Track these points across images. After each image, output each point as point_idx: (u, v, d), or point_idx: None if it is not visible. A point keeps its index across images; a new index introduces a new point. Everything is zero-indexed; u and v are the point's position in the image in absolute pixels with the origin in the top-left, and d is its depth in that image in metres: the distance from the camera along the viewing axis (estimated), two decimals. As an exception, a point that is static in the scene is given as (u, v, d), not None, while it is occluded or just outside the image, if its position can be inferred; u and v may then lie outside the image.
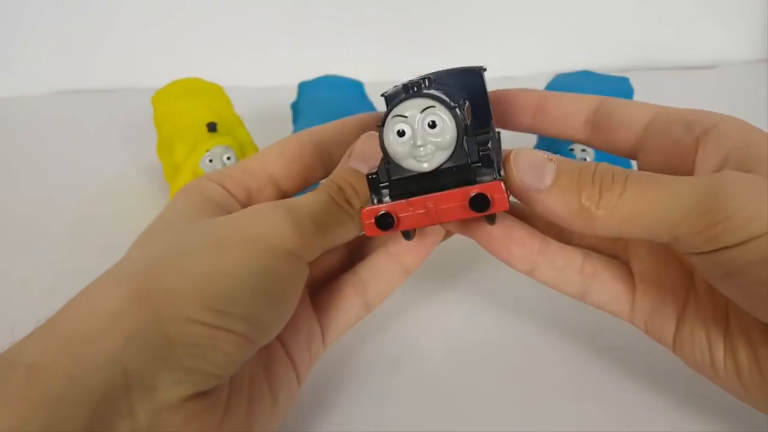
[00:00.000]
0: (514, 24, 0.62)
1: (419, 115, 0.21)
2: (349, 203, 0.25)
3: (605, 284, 0.26)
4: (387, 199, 0.22)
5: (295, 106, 0.45)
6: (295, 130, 0.41)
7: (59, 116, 0.59)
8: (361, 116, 0.30)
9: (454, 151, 0.21)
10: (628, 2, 0.61)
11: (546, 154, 0.22)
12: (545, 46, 0.62)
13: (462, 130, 0.21)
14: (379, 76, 0.49)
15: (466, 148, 0.21)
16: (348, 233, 0.25)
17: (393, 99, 0.23)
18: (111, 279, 0.21)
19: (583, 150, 0.38)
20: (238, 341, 0.21)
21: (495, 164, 0.21)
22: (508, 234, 0.26)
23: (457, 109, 0.21)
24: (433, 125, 0.21)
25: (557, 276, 0.26)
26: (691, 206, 0.20)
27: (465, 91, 0.25)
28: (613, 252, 0.27)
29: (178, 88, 0.43)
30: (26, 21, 0.61)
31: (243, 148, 0.39)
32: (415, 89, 0.22)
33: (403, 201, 0.21)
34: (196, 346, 0.19)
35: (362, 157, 0.26)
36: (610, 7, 0.61)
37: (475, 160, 0.21)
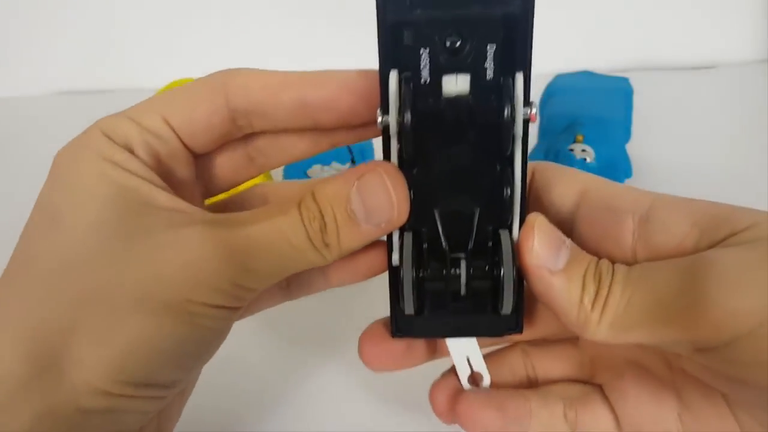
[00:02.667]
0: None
1: None
2: (326, 244, 0.20)
3: (589, 419, 0.25)
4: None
5: (294, 106, 0.45)
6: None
7: (59, 116, 0.59)
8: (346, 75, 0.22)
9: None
10: (628, 2, 0.61)
11: (561, 234, 0.21)
12: (545, 46, 0.61)
13: None
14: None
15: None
16: (308, 268, 0.21)
17: None
18: (8, 334, 0.18)
19: (583, 150, 0.38)
20: (157, 402, 0.20)
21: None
22: (501, 412, 0.24)
23: None
24: None
25: (549, 427, 0.25)
26: (669, 304, 0.19)
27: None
28: (590, 377, 0.26)
29: (178, 88, 0.43)
30: (27, 21, 0.61)
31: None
32: None
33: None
34: (112, 413, 0.18)
35: (364, 207, 0.20)
36: (610, 7, 0.61)
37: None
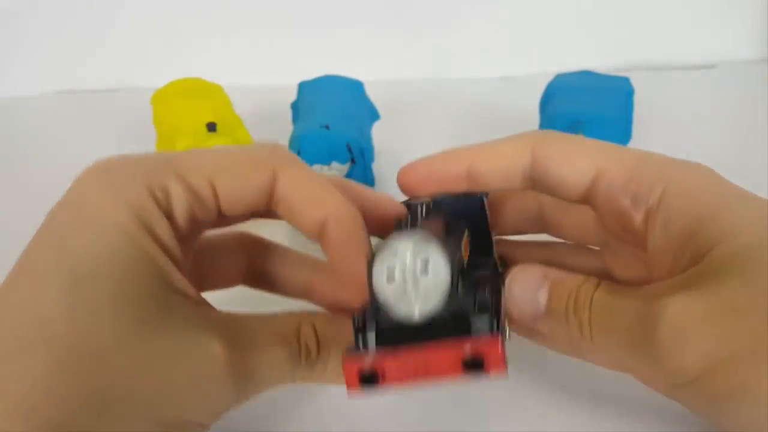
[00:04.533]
0: (514, 23, 0.62)
1: (410, 257, 0.18)
2: (311, 374, 0.22)
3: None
4: (372, 345, 0.20)
5: (295, 106, 0.45)
6: (294, 130, 0.41)
7: (59, 116, 0.59)
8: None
9: (448, 297, 0.19)
10: (629, 2, 0.61)
11: (541, 272, 0.21)
12: (545, 46, 0.61)
13: (456, 274, 0.19)
14: (379, 76, 0.49)
15: (461, 293, 0.19)
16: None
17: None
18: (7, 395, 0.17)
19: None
20: None
21: (492, 311, 0.19)
22: None
23: (450, 252, 0.19)
24: (425, 269, 0.18)
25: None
26: (632, 347, 0.19)
27: (465, 216, 0.24)
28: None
29: (178, 88, 0.43)
30: (26, 21, 0.61)
31: (243, 148, 0.39)
32: (411, 221, 0.23)
33: (391, 354, 0.19)
34: None
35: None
36: (610, 7, 0.61)
37: (469, 307, 0.19)
